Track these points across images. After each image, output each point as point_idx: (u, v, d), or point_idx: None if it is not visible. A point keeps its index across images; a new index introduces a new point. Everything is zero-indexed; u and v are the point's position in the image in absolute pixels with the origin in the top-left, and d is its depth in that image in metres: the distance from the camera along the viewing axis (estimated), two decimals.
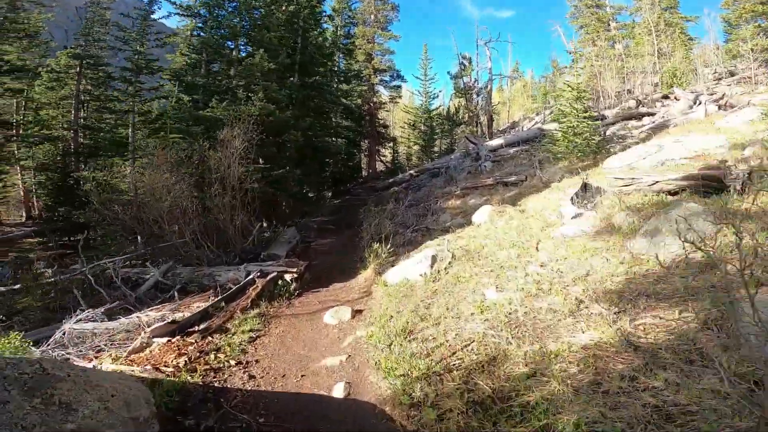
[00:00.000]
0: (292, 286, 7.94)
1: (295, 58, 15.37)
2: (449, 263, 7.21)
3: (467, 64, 35.58)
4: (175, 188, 9.53)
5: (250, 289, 7.50)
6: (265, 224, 14.86)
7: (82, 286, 10.47)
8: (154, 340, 5.77)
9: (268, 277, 7.87)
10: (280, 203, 14.39)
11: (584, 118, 14.05)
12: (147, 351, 5.49)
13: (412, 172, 23.88)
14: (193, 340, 5.77)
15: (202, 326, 6.25)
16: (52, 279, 9.97)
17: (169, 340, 5.76)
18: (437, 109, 31.92)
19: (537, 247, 6.95)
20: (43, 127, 20.95)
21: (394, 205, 15.24)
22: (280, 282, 7.87)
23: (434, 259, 7.41)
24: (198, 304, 7.46)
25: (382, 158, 35.06)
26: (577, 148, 13.89)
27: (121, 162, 13.37)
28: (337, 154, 19.90)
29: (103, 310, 6.88)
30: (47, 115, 22.05)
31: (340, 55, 26.86)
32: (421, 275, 7.06)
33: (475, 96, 35.13)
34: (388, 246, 9.02)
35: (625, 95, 26.82)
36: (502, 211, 9.49)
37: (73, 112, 20.67)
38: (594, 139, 13.91)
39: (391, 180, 24.27)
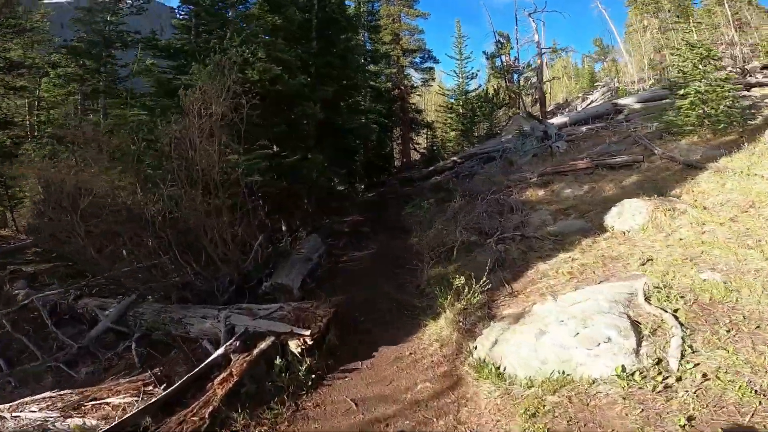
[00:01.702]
0: (304, 366, 3.95)
1: (313, 15, 11.26)
2: (685, 345, 3.01)
3: (504, 42, 30.79)
4: (124, 186, 5.70)
5: (216, 381, 3.56)
6: (284, 228, 11.06)
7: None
8: None
9: (256, 351, 3.91)
10: (300, 200, 10.47)
11: (721, 81, 9.50)
12: None
13: (455, 158, 19.57)
14: None
15: None
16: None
17: None
18: (476, 90, 27.30)
19: None
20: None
21: (450, 198, 11.15)
22: (278, 360, 3.87)
23: (637, 330, 3.24)
24: (113, 400, 3.64)
25: (416, 146, 30.78)
26: (713, 117, 9.35)
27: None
28: (369, 136, 15.80)
29: None
30: (58, 114, 19.22)
31: (365, 33, 22.66)
32: (615, 374, 2.92)
33: (515, 75, 30.39)
34: (476, 285, 4.80)
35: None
36: (675, 211, 5.22)
37: (79, 108, 17.52)
38: (737, 107, 9.39)
39: (431, 168, 20.06)
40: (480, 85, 28.02)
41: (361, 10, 22.58)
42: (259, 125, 9.31)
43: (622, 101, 17.24)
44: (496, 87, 30.89)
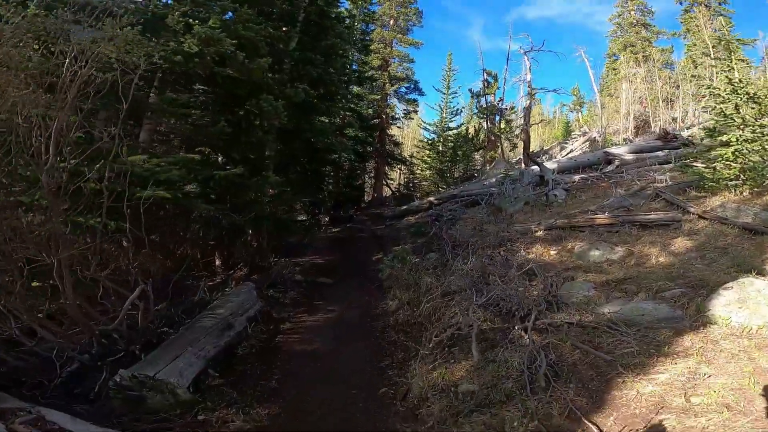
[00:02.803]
0: None
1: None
2: None
3: (492, 81, 29.80)
4: None
5: None
6: (218, 263, 8.29)
7: None
8: None
9: None
10: (240, 232, 7.78)
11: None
12: None
13: (432, 199, 17.45)
14: None
15: None
16: None
17: None
18: (459, 128, 25.75)
19: None
20: None
21: (432, 246, 8.88)
22: None
23: None
24: None
25: (390, 181, 28.65)
26: (757, 171, 7.57)
27: None
28: (342, 162, 13.42)
29: None
30: None
31: (354, 52, 20.73)
32: None
33: (497, 117, 29.22)
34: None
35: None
36: None
37: None
38: None
39: (404, 208, 17.84)
40: (462, 123, 26.33)
41: (355, 27, 20.71)
42: (201, 125, 6.77)
43: (614, 150, 15.77)
44: (477, 127, 29.59)
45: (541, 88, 23.85)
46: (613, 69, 33.95)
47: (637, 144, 16.12)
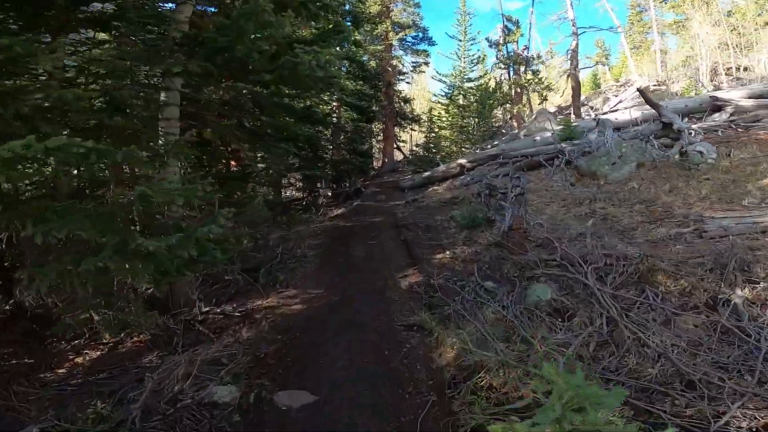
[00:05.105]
0: None
1: None
2: None
3: (514, 27, 24.24)
4: None
5: None
6: None
7: None
8: None
9: None
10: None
11: None
12: None
13: (462, 161, 12.82)
14: None
15: None
16: None
17: None
18: (482, 77, 20.49)
19: None
20: None
21: (495, 241, 4.42)
22: None
23: None
24: None
25: (402, 143, 23.82)
26: None
27: None
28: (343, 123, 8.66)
29: None
30: None
31: None
32: None
33: (523, 67, 23.89)
34: None
35: None
36: None
37: None
38: None
39: (425, 174, 13.25)
40: (486, 73, 21.08)
41: None
42: None
43: (723, 95, 10.84)
44: (498, 79, 24.33)
45: (590, 27, 18.45)
46: (638, 20, 28.19)
47: (755, 87, 11.13)
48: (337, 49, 7.22)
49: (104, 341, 4.13)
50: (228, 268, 6.27)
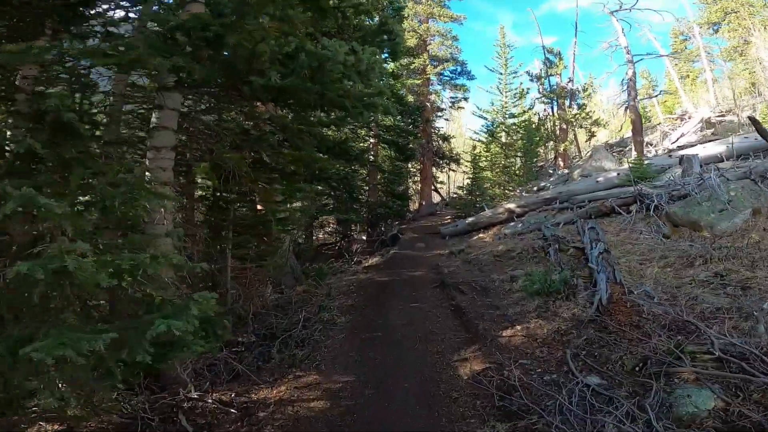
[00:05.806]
0: None
1: None
2: None
3: (556, 59, 23.12)
4: None
5: None
6: None
7: None
8: None
9: None
10: None
11: None
12: None
13: (511, 206, 11.39)
14: None
15: None
16: None
17: None
18: (526, 112, 19.19)
19: None
20: None
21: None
22: None
23: None
24: None
25: (439, 185, 22.59)
26: None
27: None
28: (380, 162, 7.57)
29: None
30: None
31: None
32: None
33: (568, 101, 22.50)
34: None
35: None
36: None
37: None
38: None
39: (469, 220, 11.88)
40: (530, 106, 19.83)
41: None
42: None
43: None
44: (541, 114, 22.99)
45: (648, 54, 16.88)
46: (683, 49, 26.17)
47: None
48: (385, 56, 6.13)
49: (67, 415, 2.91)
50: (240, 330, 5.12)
